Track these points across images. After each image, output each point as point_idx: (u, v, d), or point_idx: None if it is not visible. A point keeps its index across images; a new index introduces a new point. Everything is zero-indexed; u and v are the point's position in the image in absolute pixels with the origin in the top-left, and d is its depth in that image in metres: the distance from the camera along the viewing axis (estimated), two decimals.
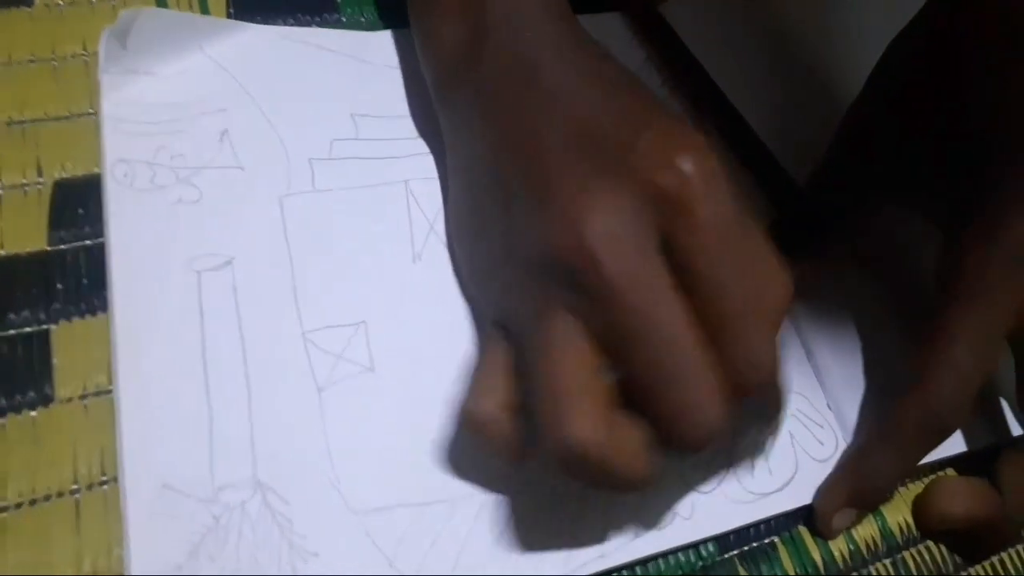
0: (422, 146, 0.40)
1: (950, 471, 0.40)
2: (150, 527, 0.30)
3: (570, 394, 0.28)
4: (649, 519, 0.34)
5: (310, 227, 0.36)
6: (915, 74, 0.38)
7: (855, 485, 0.36)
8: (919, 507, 0.38)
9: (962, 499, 0.37)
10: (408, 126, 0.40)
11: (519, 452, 0.30)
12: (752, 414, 0.36)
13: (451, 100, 0.37)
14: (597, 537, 0.34)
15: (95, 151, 0.36)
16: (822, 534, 0.37)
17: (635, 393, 0.28)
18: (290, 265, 0.35)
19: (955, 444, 0.39)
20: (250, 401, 0.33)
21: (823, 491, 0.37)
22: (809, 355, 0.40)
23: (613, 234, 0.27)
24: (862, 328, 0.41)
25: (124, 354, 0.32)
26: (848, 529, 0.37)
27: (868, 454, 0.37)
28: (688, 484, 0.35)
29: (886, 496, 0.38)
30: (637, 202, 0.28)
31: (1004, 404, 0.41)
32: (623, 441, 0.28)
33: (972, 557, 0.39)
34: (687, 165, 0.28)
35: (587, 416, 0.27)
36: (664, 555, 0.35)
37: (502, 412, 0.30)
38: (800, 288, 0.40)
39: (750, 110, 0.44)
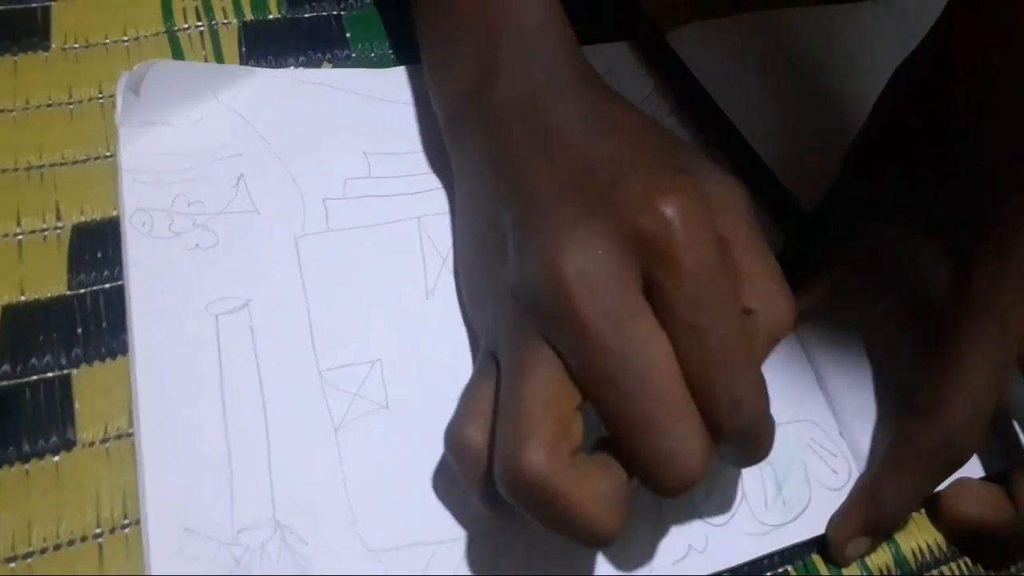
0: (433, 182, 0.40)
1: None
2: (173, 571, 0.30)
3: (533, 423, 0.27)
4: (664, 553, 0.35)
5: (325, 267, 0.37)
6: (921, 99, 0.38)
7: (869, 513, 0.36)
8: (935, 503, 0.38)
9: (976, 502, 0.37)
10: (420, 162, 0.41)
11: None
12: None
13: (459, 134, 0.37)
14: (611, 572, 0.34)
15: (112, 194, 0.37)
16: (836, 562, 0.37)
17: (612, 436, 0.28)
18: (306, 305, 0.36)
19: (968, 469, 0.39)
20: (268, 442, 0.33)
21: (837, 519, 0.37)
22: (820, 382, 0.40)
23: (591, 274, 0.28)
24: (873, 354, 0.41)
25: (144, 399, 0.33)
26: (862, 557, 0.37)
27: (882, 482, 0.37)
28: (701, 516, 0.36)
29: (900, 524, 0.38)
30: (619, 244, 0.28)
31: (1016, 427, 0.41)
32: (589, 484, 0.27)
33: (985, 564, 0.39)
34: (669, 209, 0.28)
35: (547, 447, 0.27)
36: None
37: (487, 443, 0.29)
38: (810, 314, 0.40)
39: (757, 137, 0.45)
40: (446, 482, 0.34)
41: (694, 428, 0.28)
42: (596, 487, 0.27)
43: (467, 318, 0.37)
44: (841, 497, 0.38)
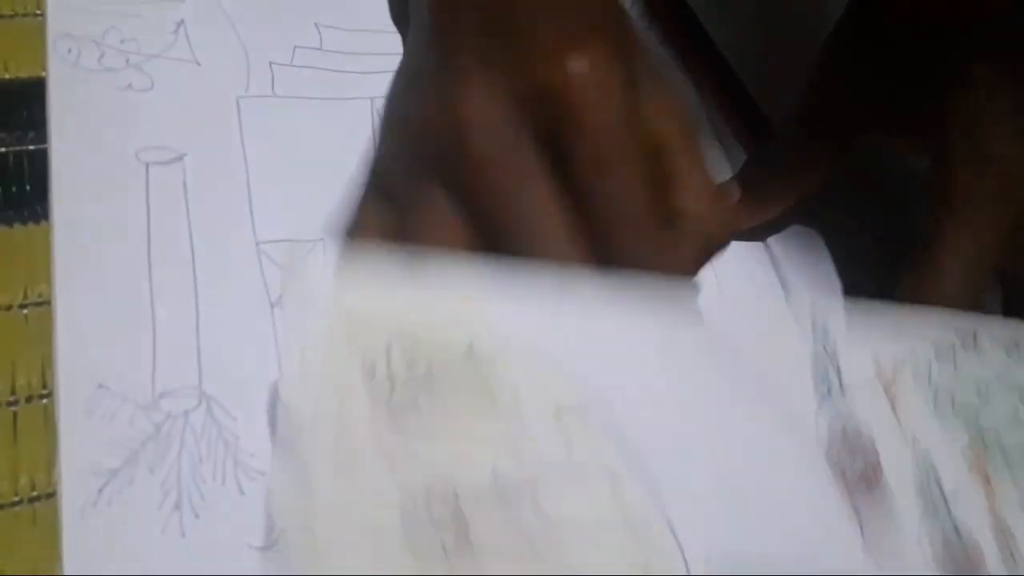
0: (389, 64, 0.38)
1: None
2: (84, 427, 0.28)
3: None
4: None
5: (268, 133, 0.35)
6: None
7: None
8: None
9: None
10: (375, 41, 0.39)
11: None
12: None
13: None
14: None
15: (40, 53, 0.34)
16: None
17: None
18: (245, 170, 0.34)
19: None
20: (197, 308, 0.31)
21: None
22: (786, 295, 0.39)
23: (489, 118, 0.27)
24: (841, 265, 0.40)
25: (62, 242, 0.31)
26: None
27: None
28: None
29: None
30: (524, 93, 0.27)
31: None
32: None
33: None
34: (577, 64, 0.27)
35: None
36: None
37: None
38: (776, 223, 0.39)
39: (730, 45, 0.43)
40: None
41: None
42: None
43: None
44: None
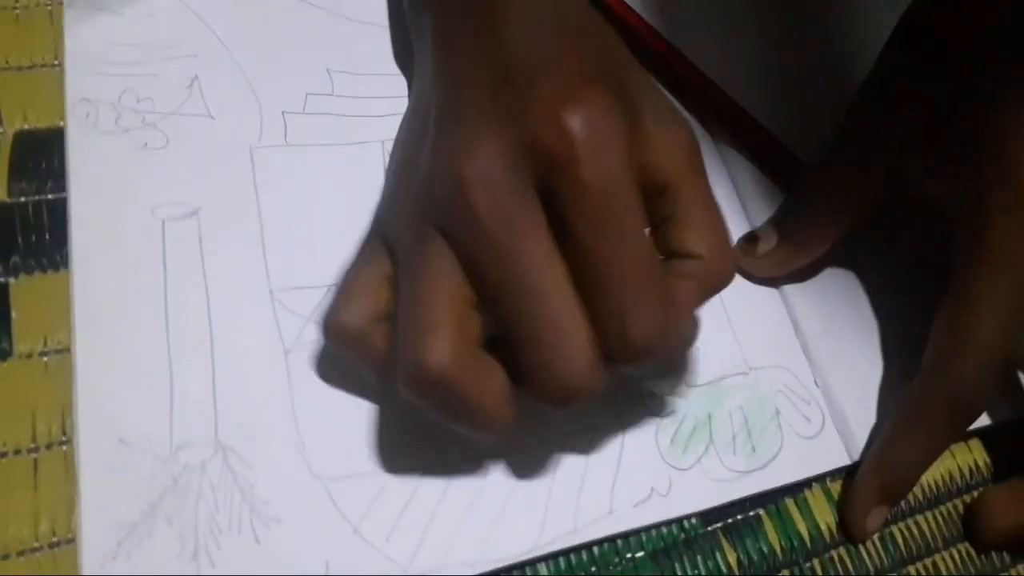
0: (400, 106, 0.38)
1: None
2: (104, 482, 0.29)
3: (434, 320, 0.27)
4: (625, 495, 0.33)
5: (282, 182, 0.35)
6: (941, 36, 0.37)
7: (883, 480, 0.36)
8: (971, 528, 0.38)
9: (1013, 509, 0.37)
10: (385, 85, 0.39)
11: (387, 362, 0.30)
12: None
13: (418, 23, 0.35)
14: (569, 511, 0.33)
15: (58, 103, 0.35)
16: (855, 538, 0.36)
17: (504, 337, 0.28)
18: (259, 220, 0.34)
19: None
20: (213, 358, 0.31)
21: (852, 493, 0.36)
22: (796, 329, 0.39)
23: (490, 176, 0.27)
24: (852, 302, 0.40)
25: (82, 300, 0.31)
26: (882, 530, 0.37)
27: (894, 446, 0.36)
28: (665, 460, 0.34)
29: (914, 485, 0.37)
30: (521, 151, 0.27)
31: (1021, 377, 0.41)
32: (482, 378, 0.28)
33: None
34: (573, 122, 0.27)
35: (447, 344, 0.27)
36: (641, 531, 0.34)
37: (370, 323, 0.30)
38: (813, 266, 0.40)
39: (747, 93, 0.43)
40: (400, 413, 0.32)
41: (577, 344, 0.27)
42: (495, 382, 0.28)
43: None
44: (813, 445, 0.37)
